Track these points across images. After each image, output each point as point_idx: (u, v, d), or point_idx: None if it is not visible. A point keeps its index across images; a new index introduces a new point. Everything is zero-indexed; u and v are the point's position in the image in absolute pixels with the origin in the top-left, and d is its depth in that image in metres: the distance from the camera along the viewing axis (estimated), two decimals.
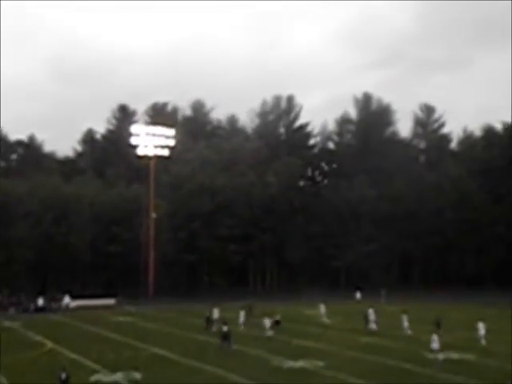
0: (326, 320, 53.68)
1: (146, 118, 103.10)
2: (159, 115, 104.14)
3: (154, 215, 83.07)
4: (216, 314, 49.23)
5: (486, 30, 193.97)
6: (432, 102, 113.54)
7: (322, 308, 55.37)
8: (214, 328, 46.22)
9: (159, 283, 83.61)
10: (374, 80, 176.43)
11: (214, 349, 38.68)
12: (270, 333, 43.84)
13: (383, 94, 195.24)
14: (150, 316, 59.73)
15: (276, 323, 47.42)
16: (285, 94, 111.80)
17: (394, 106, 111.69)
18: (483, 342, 39.61)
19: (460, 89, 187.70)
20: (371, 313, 48.21)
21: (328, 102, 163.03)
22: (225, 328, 38.78)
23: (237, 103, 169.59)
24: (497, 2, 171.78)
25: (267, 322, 44.69)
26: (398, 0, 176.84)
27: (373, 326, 47.55)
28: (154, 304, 71.05)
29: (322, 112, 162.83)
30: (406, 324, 45.36)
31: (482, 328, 40.15)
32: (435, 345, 33.51)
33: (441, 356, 33.10)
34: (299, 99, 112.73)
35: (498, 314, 60.98)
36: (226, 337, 38.25)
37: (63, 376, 25.81)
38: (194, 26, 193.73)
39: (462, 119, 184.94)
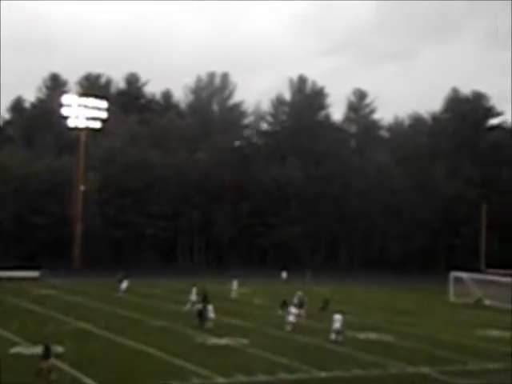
0: (235, 296, 55.34)
1: (79, 89, 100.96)
2: (92, 87, 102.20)
3: (82, 188, 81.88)
4: None
5: (432, 25, 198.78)
6: (368, 89, 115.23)
7: (235, 284, 56.57)
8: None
9: (85, 257, 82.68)
10: (322, 67, 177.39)
11: (138, 324, 38.75)
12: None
13: (328, 80, 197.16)
14: (75, 289, 59.05)
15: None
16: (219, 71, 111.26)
17: (328, 91, 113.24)
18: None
19: (400, 79, 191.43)
20: (299, 295, 45.85)
21: (276, 85, 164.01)
22: (199, 306, 39.23)
23: (175, 80, 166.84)
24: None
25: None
26: None
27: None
28: (79, 278, 70.20)
29: (268, 95, 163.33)
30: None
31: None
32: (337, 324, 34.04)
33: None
34: (234, 78, 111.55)
35: (418, 297, 63.10)
36: (201, 314, 38.38)
37: None
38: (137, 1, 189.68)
39: (398, 108, 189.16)
